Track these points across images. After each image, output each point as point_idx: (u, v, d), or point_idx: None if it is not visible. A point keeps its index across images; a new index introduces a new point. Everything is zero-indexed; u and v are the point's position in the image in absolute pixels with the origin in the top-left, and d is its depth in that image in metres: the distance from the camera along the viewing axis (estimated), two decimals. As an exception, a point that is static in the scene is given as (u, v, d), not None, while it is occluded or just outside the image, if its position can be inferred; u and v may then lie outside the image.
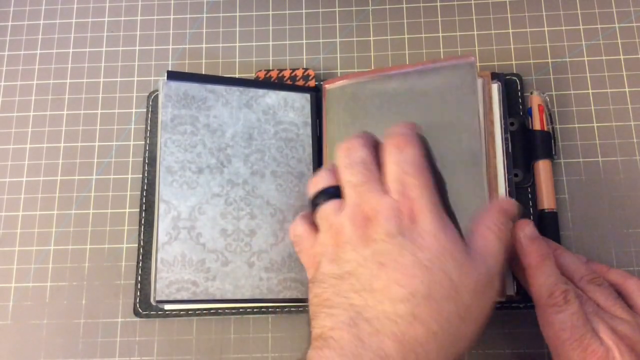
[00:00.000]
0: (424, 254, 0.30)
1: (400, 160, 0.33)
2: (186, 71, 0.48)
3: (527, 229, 0.36)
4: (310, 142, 0.44)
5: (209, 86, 0.43)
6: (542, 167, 0.43)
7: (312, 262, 0.35)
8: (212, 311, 0.42)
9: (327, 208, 0.35)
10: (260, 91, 0.44)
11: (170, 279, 0.39)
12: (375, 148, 0.36)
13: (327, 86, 0.44)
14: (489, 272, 0.32)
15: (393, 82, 0.42)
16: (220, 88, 0.43)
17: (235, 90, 0.43)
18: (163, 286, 0.39)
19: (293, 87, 0.45)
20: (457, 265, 0.31)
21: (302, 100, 0.44)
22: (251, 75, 0.48)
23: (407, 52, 0.48)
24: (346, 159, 0.35)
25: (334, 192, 0.35)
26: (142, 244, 0.44)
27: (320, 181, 0.36)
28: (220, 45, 0.49)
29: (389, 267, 0.30)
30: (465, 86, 0.40)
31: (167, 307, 0.42)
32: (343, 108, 0.43)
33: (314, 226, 0.36)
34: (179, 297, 0.39)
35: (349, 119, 0.43)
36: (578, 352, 0.33)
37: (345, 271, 0.32)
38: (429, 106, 0.41)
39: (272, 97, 0.44)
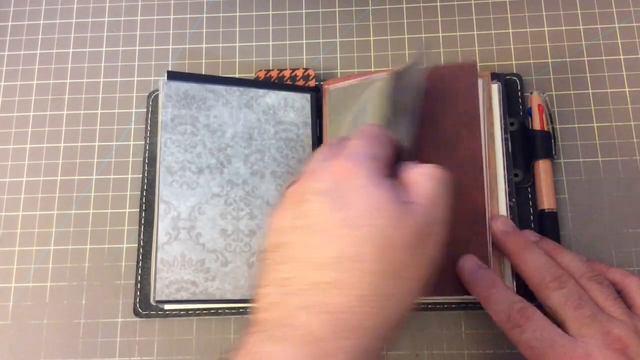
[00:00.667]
0: (352, 210, 0.28)
1: (365, 133, 0.32)
2: (186, 71, 0.48)
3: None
4: (311, 142, 0.44)
5: (209, 86, 0.43)
6: (542, 167, 0.43)
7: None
8: (212, 311, 0.42)
9: (318, 151, 0.34)
10: (261, 91, 0.44)
11: (170, 279, 0.39)
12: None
13: (328, 86, 0.44)
14: (428, 221, 0.29)
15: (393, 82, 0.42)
16: (220, 88, 0.43)
17: (235, 90, 0.43)
18: (163, 286, 0.39)
19: (293, 87, 0.45)
20: (390, 220, 0.28)
21: (302, 101, 0.44)
22: (251, 75, 0.48)
23: (407, 52, 0.48)
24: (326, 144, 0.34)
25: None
26: (142, 244, 0.44)
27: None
28: (220, 45, 0.49)
29: (315, 229, 0.28)
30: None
31: (167, 307, 0.42)
32: (344, 108, 0.43)
33: None
34: (178, 297, 0.39)
35: (349, 119, 0.43)
36: None
37: (280, 240, 0.30)
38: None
39: (272, 97, 0.44)
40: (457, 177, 0.39)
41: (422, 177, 0.31)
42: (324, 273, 0.27)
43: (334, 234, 0.28)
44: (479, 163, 0.39)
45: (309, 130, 0.44)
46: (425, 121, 0.41)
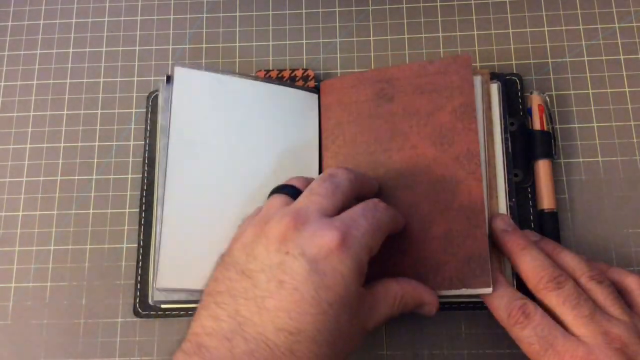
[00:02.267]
0: (327, 294, 0.29)
1: (367, 208, 0.34)
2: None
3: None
4: (312, 141, 0.44)
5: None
6: (542, 167, 0.43)
7: (235, 237, 0.34)
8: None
9: (276, 198, 0.35)
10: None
11: None
12: (358, 186, 0.36)
13: (326, 86, 0.44)
14: (377, 318, 0.33)
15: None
16: None
17: None
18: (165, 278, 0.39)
19: (295, 87, 0.45)
20: (352, 315, 0.31)
21: (305, 100, 0.44)
22: (251, 75, 0.48)
23: (407, 52, 0.48)
24: (326, 174, 0.35)
25: (292, 192, 0.35)
26: (142, 244, 0.44)
27: (292, 181, 0.37)
28: (220, 45, 0.49)
29: (287, 290, 0.29)
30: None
31: (165, 305, 0.42)
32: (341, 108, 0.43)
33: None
34: (176, 298, 0.39)
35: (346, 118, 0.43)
36: (555, 359, 0.33)
37: (248, 269, 0.31)
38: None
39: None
40: (454, 172, 0.39)
41: (393, 287, 0.35)
42: (280, 336, 0.29)
43: (301, 306, 0.29)
44: (475, 156, 0.39)
45: (311, 130, 0.44)
46: (421, 118, 0.41)
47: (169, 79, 0.42)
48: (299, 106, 0.44)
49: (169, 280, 0.38)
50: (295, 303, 0.29)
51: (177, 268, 0.38)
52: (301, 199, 0.34)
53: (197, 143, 0.41)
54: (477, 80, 0.41)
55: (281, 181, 0.38)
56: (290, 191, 0.35)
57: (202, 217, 0.40)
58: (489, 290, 0.36)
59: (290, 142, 0.43)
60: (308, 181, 0.36)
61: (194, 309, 0.42)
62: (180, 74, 0.42)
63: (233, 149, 0.42)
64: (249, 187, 0.41)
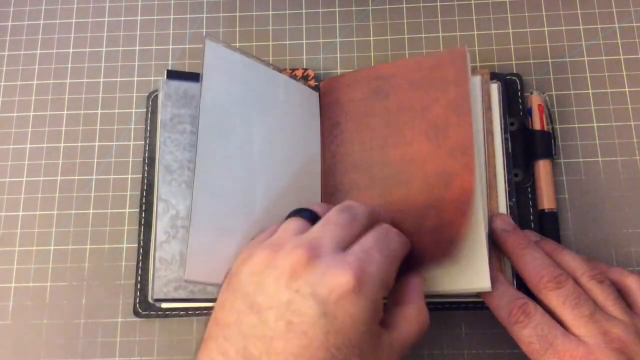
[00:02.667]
0: (335, 339, 0.28)
1: (381, 239, 0.32)
2: (186, 71, 0.48)
3: None
4: (314, 141, 0.44)
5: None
6: (542, 167, 0.43)
7: (245, 256, 0.32)
8: (212, 311, 0.42)
9: (292, 222, 0.33)
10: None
11: (169, 277, 0.39)
12: (375, 221, 0.35)
13: (325, 86, 0.44)
14: (401, 349, 0.32)
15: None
16: None
17: None
18: (161, 285, 0.39)
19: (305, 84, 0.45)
20: (365, 356, 0.29)
21: (306, 97, 0.44)
22: (251, 75, 0.48)
23: (407, 52, 0.48)
24: (343, 205, 0.34)
25: (310, 217, 0.34)
26: (142, 244, 0.44)
27: (314, 206, 0.35)
28: (220, 45, 0.49)
29: (295, 332, 0.28)
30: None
31: (165, 305, 0.42)
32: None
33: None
34: (176, 296, 0.39)
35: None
36: (555, 359, 0.33)
37: (257, 302, 0.29)
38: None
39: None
40: (448, 166, 0.39)
41: (414, 324, 0.33)
42: None
43: (309, 351, 0.28)
44: (469, 148, 0.38)
45: (312, 129, 0.44)
46: (416, 113, 0.40)
47: (170, 75, 0.42)
48: (308, 102, 0.44)
49: (198, 273, 0.36)
50: (303, 347, 0.28)
51: (207, 261, 0.36)
52: (316, 227, 0.32)
53: (226, 126, 0.39)
54: (477, 80, 0.41)
55: (298, 183, 0.38)
56: (308, 215, 0.34)
57: (232, 207, 0.38)
58: (487, 284, 0.36)
59: (300, 139, 0.43)
60: (329, 208, 0.35)
61: (193, 308, 0.42)
62: (212, 49, 0.39)
63: (257, 140, 0.40)
64: (276, 184, 0.40)
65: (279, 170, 0.41)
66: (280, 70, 0.43)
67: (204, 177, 0.37)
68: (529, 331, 0.34)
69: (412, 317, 0.33)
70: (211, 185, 0.38)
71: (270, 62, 0.48)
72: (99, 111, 0.48)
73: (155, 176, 0.42)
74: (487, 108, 0.41)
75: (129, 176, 0.46)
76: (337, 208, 0.34)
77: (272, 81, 0.42)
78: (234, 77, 0.40)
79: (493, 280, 0.36)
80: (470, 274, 0.37)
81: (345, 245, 0.31)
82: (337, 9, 0.49)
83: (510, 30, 0.48)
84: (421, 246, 0.37)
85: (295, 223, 0.33)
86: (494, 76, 0.43)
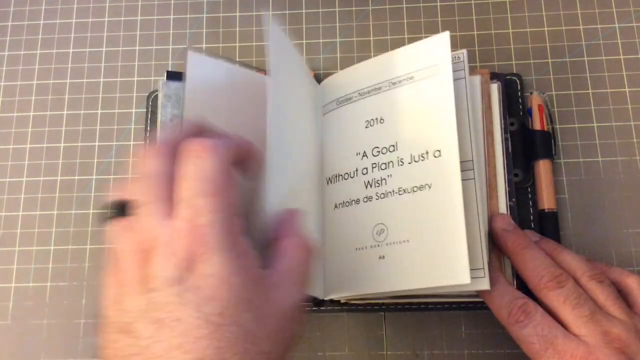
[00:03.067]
0: (211, 307, 0.25)
1: (194, 175, 0.27)
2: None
3: None
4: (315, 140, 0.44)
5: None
6: (542, 167, 0.43)
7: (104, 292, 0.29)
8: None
9: (115, 228, 0.28)
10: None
11: None
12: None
13: (321, 85, 0.44)
14: (295, 299, 0.29)
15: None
16: None
17: None
18: None
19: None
20: (254, 312, 0.26)
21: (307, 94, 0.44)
22: (251, 75, 0.48)
23: (407, 52, 0.48)
24: (140, 169, 0.29)
25: (118, 211, 0.29)
26: (142, 244, 0.44)
27: (119, 189, 0.30)
28: (220, 45, 0.49)
29: (168, 327, 0.25)
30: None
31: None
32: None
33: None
34: None
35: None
36: (556, 359, 0.33)
37: (125, 322, 0.26)
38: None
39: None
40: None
41: (296, 248, 0.30)
42: None
43: (190, 334, 0.25)
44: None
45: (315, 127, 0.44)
46: None
47: (169, 75, 0.42)
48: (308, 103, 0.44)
49: None
50: (182, 335, 0.25)
51: None
52: (133, 218, 0.28)
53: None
54: (477, 80, 0.41)
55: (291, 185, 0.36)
56: (116, 211, 0.29)
57: None
58: (467, 279, 0.35)
59: (300, 137, 0.42)
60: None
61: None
62: (194, 59, 0.39)
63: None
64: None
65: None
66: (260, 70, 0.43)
67: None
68: (529, 331, 0.34)
69: (291, 246, 0.30)
70: None
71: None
72: (99, 111, 0.48)
73: None
74: (487, 108, 0.41)
75: (129, 176, 0.46)
76: (138, 181, 0.29)
77: (259, 84, 0.42)
78: (216, 84, 0.40)
79: (493, 280, 0.36)
80: (449, 268, 0.35)
81: (168, 211, 0.27)
82: (337, 9, 0.50)
83: (510, 30, 0.48)
84: None
85: (114, 228, 0.29)
86: (494, 76, 0.43)
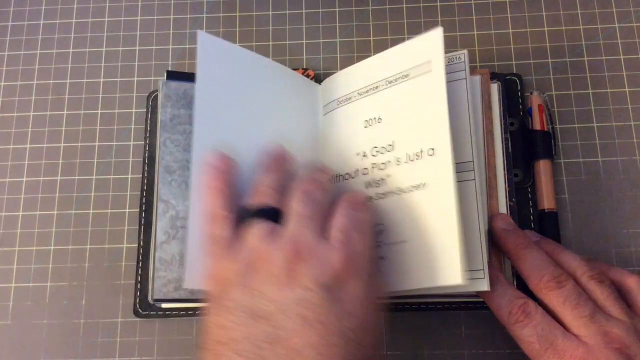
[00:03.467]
0: (349, 322, 0.29)
1: (352, 216, 0.33)
2: (186, 71, 0.48)
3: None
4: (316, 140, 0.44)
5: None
6: (542, 167, 0.43)
7: (219, 275, 0.32)
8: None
9: (262, 228, 0.32)
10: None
11: (168, 277, 0.39)
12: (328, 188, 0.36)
13: (322, 85, 0.44)
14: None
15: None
16: None
17: None
18: (161, 285, 0.39)
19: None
20: (372, 337, 0.31)
21: (307, 92, 0.44)
22: (251, 75, 0.48)
23: (407, 52, 0.48)
24: (301, 193, 0.33)
25: (272, 214, 0.33)
26: (142, 244, 0.44)
27: (264, 196, 0.34)
28: (220, 45, 0.49)
29: (311, 325, 0.28)
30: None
31: (165, 305, 0.42)
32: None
33: (236, 234, 0.33)
34: (176, 296, 0.39)
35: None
36: (555, 359, 0.33)
37: (261, 310, 0.29)
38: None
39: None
40: None
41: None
42: None
43: (329, 340, 0.28)
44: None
45: (314, 127, 0.44)
46: None
47: (169, 75, 0.42)
48: (305, 93, 0.44)
49: (197, 280, 0.36)
50: (321, 337, 0.28)
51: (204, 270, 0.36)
52: (291, 225, 0.32)
53: (223, 125, 0.38)
54: (477, 80, 0.41)
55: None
56: (270, 212, 0.33)
57: None
58: (458, 280, 0.35)
59: (297, 131, 0.42)
60: (277, 190, 0.34)
61: (193, 309, 0.42)
62: (205, 41, 0.39)
63: (254, 132, 0.40)
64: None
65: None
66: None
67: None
68: (529, 331, 0.34)
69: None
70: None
71: (270, 62, 0.48)
72: (99, 111, 0.48)
73: (156, 177, 0.42)
74: (487, 108, 0.41)
75: (129, 176, 0.46)
76: (297, 197, 0.33)
77: (270, 69, 0.42)
78: (228, 64, 0.39)
79: (493, 280, 0.36)
80: (443, 269, 0.35)
81: (323, 232, 0.32)
82: (337, 9, 0.50)
83: (510, 30, 0.48)
84: None
85: (262, 228, 0.32)
86: (494, 76, 0.43)
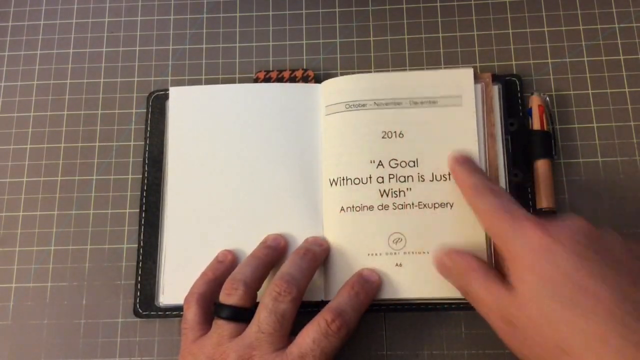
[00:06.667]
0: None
1: (318, 342, 0.35)
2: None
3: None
4: (315, 139, 0.44)
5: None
6: (542, 167, 0.43)
7: (191, 354, 0.36)
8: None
9: (228, 327, 0.36)
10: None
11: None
12: (300, 297, 0.37)
13: (324, 85, 0.45)
14: None
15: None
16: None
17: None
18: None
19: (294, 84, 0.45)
20: None
21: (307, 94, 0.45)
22: (251, 76, 0.48)
23: (407, 52, 0.48)
24: (270, 304, 0.36)
25: (241, 314, 0.36)
26: (142, 244, 0.44)
27: (237, 297, 0.37)
28: (220, 45, 0.49)
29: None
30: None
31: (165, 305, 0.42)
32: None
33: (206, 316, 0.38)
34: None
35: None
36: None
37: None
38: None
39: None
40: None
41: None
42: None
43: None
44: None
45: (315, 128, 0.44)
46: None
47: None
48: (300, 103, 0.44)
49: (173, 297, 0.41)
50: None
51: (181, 286, 0.40)
52: (252, 331, 0.35)
53: (196, 161, 0.43)
54: (479, 86, 0.42)
55: (282, 190, 0.41)
56: (239, 312, 0.36)
57: (204, 235, 0.42)
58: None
59: (293, 143, 0.43)
60: (252, 287, 0.37)
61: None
62: (175, 93, 0.45)
63: (235, 159, 0.43)
64: (252, 199, 0.42)
65: (272, 179, 0.43)
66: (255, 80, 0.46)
67: (173, 214, 0.43)
68: (491, 200, 0.36)
69: None
70: (183, 210, 0.42)
71: (270, 62, 0.48)
72: (99, 112, 0.48)
73: (162, 180, 0.43)
74: (489, 112, 0.42)
75: (129, 176, 0.46)
76: (265, 308, 0.36)
77: (245, 97, 0.45)
78: (198, 109, 0.44)
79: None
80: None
81: (282, 345, 0.35)
82: (337, 10, 0.50)
83: (510, 31, 0.48)
84: None
85: (226, 329, 0.36)
86: (494, 78, 0.43)
